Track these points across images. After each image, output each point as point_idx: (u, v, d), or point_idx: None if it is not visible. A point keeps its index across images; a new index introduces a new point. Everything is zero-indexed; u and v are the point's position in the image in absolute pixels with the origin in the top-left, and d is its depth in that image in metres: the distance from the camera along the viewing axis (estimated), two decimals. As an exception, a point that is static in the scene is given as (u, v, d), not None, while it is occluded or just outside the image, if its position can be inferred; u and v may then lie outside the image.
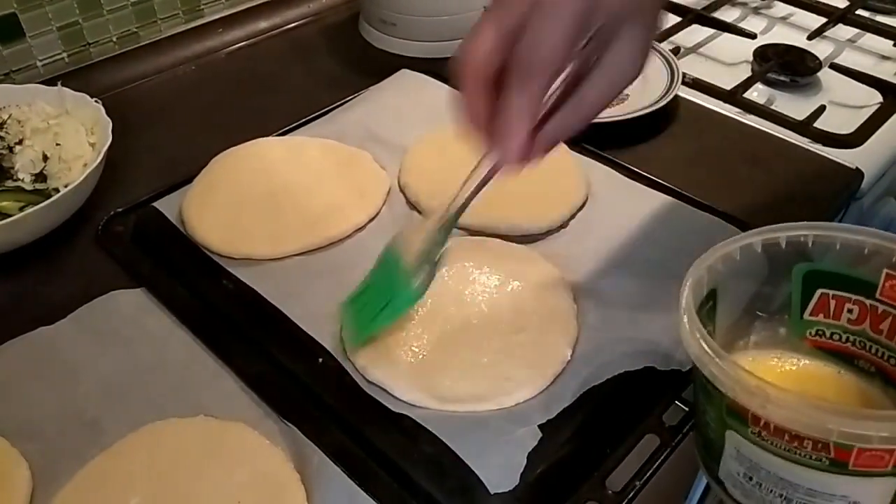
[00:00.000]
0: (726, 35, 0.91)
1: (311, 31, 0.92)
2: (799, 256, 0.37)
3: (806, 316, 0.39)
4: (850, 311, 0.37)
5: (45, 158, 0.62)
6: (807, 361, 0.39)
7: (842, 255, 0.36)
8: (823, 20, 0.90)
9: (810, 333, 0.39)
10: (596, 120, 0.72)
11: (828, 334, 0.38)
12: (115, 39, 0.83)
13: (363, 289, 0.49)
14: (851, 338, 0.38)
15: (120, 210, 0.63)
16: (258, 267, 0.57)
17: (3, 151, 0.62)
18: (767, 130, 0.74)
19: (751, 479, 0.34)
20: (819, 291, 0.38)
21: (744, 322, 0.39)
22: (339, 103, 0.75)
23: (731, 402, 0.32)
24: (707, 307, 0.37)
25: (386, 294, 0.48)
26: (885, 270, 0.35)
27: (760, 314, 0.39)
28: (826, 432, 0.30)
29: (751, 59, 0.85)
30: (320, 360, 0.50)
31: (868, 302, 0.36)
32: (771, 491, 0.33)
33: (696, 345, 0.33)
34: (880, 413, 0.35)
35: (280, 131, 0.71)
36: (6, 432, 0.46)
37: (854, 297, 0.37)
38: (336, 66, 0.85)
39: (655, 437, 0.47)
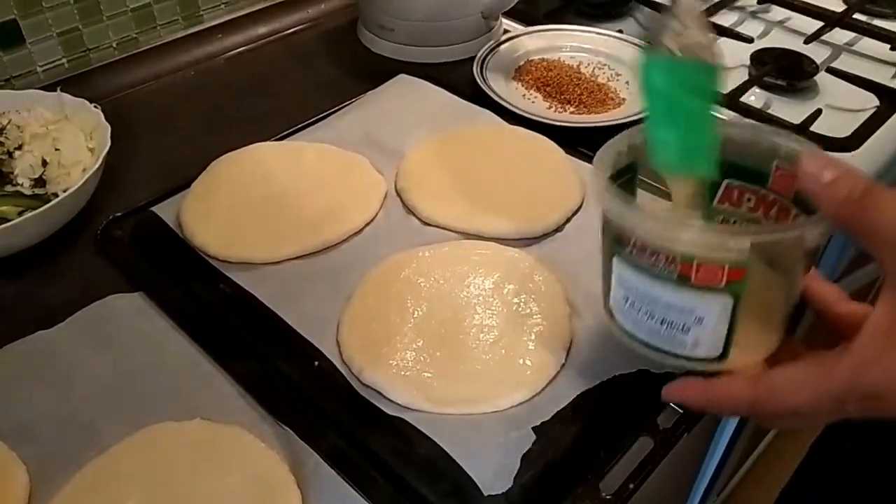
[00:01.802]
0: (723, 39, 0.91)
1: (309, 37, 0.92)
2: None
3: (714, 204, 0.42)
4: (748, 199, 0.41)
5: (45, 163, 0.62)
6: None
7: (743, 149, 0.40)
8: (820, 24, 0.91)
9: (718, 221, 0.43)
10: (591, 124, 0.73)
11: (731, 221, 0.42)
12: (114, 45, 0.84)
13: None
14: (748, 223, 0.42)
15: (118, 215, 0.63)
16: (255, 271, 0.57)
17: (3, 156, 0.62)
18: (764, 134, 0.74)
19: (627, 299, 0.39)
20: (725, 182, 0.41)
21: (663, 206, 0.43)
22: (337, 108, 0.75)
23: (616, 227, 0.37)
24: (626, 178, 0.41)
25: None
26: (774, 162, 0.39)
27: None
28: (671, 241, 0.35)
29: (748, 63, 0.85)
30: (316, 363, 0.50)
31: (762, 192, 0.41)
32: (640, 309, 0.38)
33: (597, 181, 0.38)
34: (710, 227, 0.41)
35: (278, 136, 0.71)
36: (3, 435, 0.46)
37: (752, 186, 0.41)
38: (334, 71, 0.86)
39: (649, 439, 0.47)
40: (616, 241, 0.38)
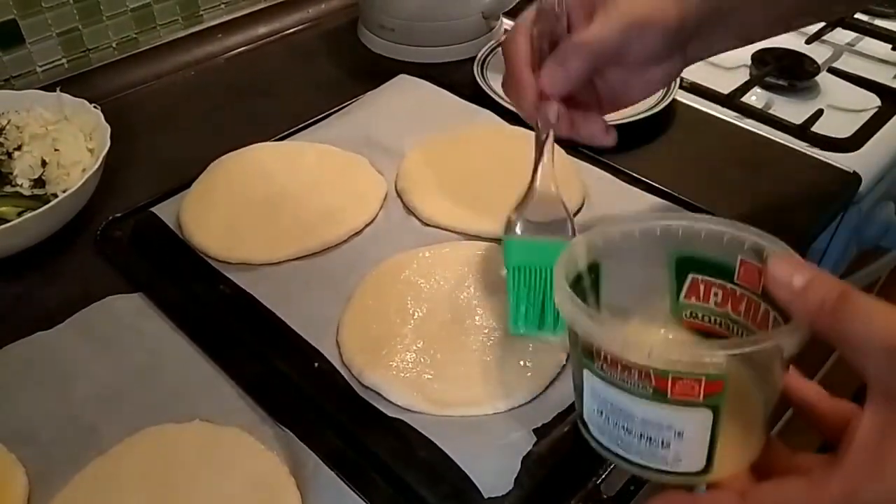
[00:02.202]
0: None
1: (309, 37, 0.92)
2: (672, 244, 0.40)
3: (681, 299, 0.42)
4: (715, 294, 0.41)
5: (44, 164, 0.62)
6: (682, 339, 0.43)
7: (707, 243, 0.40)
8: (822, 24, 0.91)
9: (686, 315, 0.42)
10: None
11: (700, 316, 0.42)
12: (114, 45, 0.84)
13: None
14: (718, 319, 0.41)
15: (118, 215, 0.63)
16: (255, 272, 0.57)
17: (2, 157, 0.62)
18: (765, 134, 0.74)
19: (601, 413, 0.38)
20: (690, 276, 0.41)
21: (627, 304, 0.42)
22: (337, 108, 0.75)
23: (583, 341, 0.36)
24: (590, 278, 0.41)
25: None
26: (739, 257, 0.39)
27: (644, 297, 0.42)
28: (643, 358, 0.34)
29: (749, 62, 0.85)
30: (316, 364, 0.50)
31: (729, 286, 0.40)
32: (616, 424, 0.37)
33: (560, 293, 0.37)
34: (687, 343, 0.40)
35: (278, 136, 0.71)
36: (3, 437, 0.46)
37: (718, 281, 0.40)
38: (335, 71, 0.86)
39: (650, 441, 0.47)
40: (585, 355, 0.37)
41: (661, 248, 0.41)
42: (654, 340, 0.35)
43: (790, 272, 0.34)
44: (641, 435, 0.36)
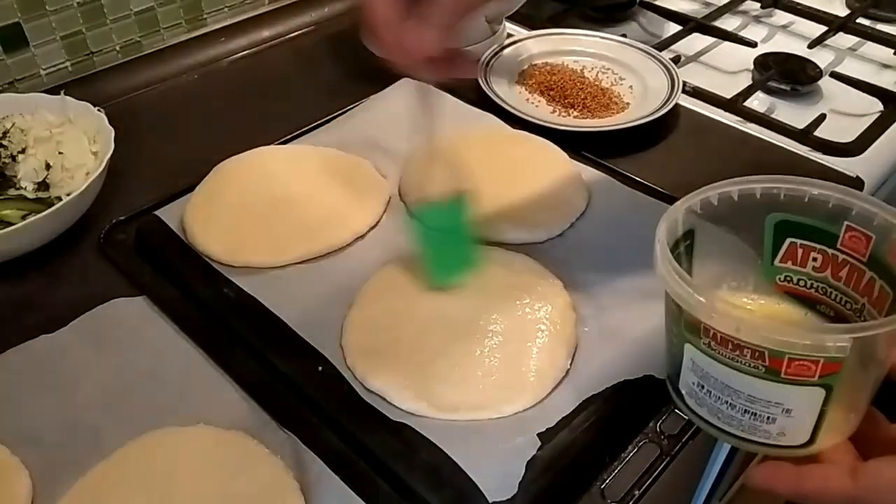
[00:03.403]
0: (727, 44, 0.91)
1: (313, 40, 0.92)
2: (771, 207, 0.40)
3: (776, 262, 0.42)
4: (814, 259, 0.41)
5: (48, 167, 0.62)
6: (776, 303, 0.43)
7: (809, 208, 0.40)
8: (824, 29, 0.91)
9: (779, 279, 0.42)
10: (595, 128, 0.73)
11: (795, 280, 0.42)
12: (118, 48, 0.84)
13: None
14: (815, 284, 0.41)
15: (122, 218, 0.63)
16: (259, 275, 0.57)
17: (6, 160, 0.62)
18: (768, 139, 0.74)
19: (702, 387, 0.38)
20: (788, 240, 0.41)
21: (720, 267, 0.43)
22: (340, 112, 0.75)
23: (687, 316, 0.36)
24: (685, 245, 0.41)
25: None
26: (845, 223, 0.39)
27: (736, 260, 0.43)
28: (761, 339, 0.34)
29: (751, 67, 0.85)
30: (320, 368, 0.50)
31: (830, 251, 0.40)
32: (718, 398, 0.37)
33: (664, 266, 0.37)
34: (807, 325, 0.40)
35: (282, 139, 0.71)
36: (7, 440, 0.46)
37: (818, 246, 0.40)
38: (338, 74, 0.86)
39: (654, 446, 0.47)
40: (689, 329, 0.36)
41: (759, 212, 0.41)
42: (771, 323, 0.34)
43: None
44: (746, 411, 0.37)
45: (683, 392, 0.39)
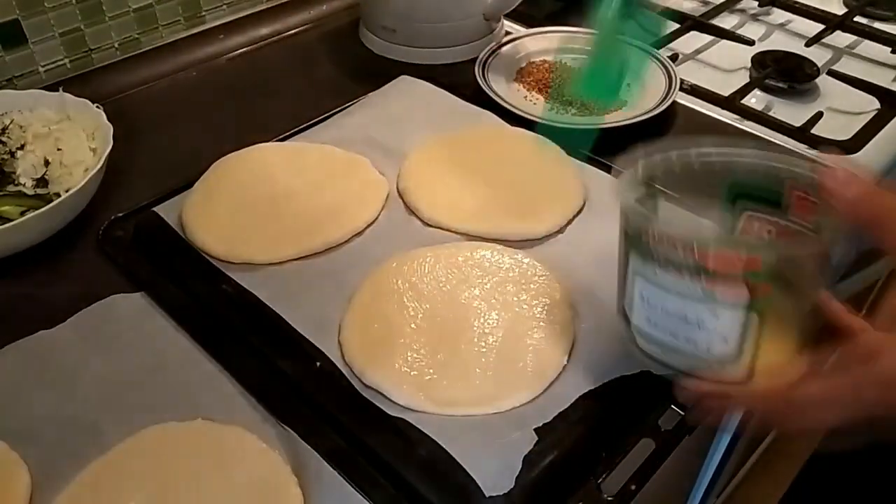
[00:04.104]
0: (724, 42, 0.91)
1: (311, 38, 0.92)
2: (728, 175, 0.42)
3: (736, 235, 0.43)
4: (769, 231, 0.42)
5: (47, 163, 0.62)
6: None
7: (761, 179, 0.41)
8: (822, 27, 0.91)
9: None
10: (593, 126, 0.73)
11: None
12: (116, 45, 0.84)
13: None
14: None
15: (120, 215, 0.63)
16: (257, 271, 0.57)
17: (5, 156, 0.63)
18: (765, 137, 0.74)
19: (649, 320, 0.40)
20: (746, 214, 0.42)
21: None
22: (338, 109, 0.75)
23: (635, 238, 0.39)
24: (644, 195, 0.42)
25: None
26: (793, 190, 0.40)
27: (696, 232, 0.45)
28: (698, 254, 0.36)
29: (749, 65, 0.85)
30: (318, 363, 0.50)
31: (783, 222, 0.41)
32: (664, 329, 0.40)
33: (621, 191, 0.39)
34: (736, 239, 0.42)
35: (280, 137, 0.71)
36: (6, 436, 0.46)
37: (773, 218, 0.42)
38: (336, 72, 0.86)
39: (651, 441, 0.47)
40: (639, 257, 0.38)
41: (718, 183, 0.42)
42: (710, 240, 0.37)
43: (836, 177, 0.38)
44: (688, 339, 0.39)
45: (636, 335, 0.41)
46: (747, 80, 0.83)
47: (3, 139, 0.63)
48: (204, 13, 0.90)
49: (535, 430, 0.46)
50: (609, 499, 0.44)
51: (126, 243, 0.61)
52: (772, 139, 0.74)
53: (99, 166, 0.61)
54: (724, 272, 0.36)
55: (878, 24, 0.94)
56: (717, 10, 0.97)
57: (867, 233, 0.36)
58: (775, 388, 0.38)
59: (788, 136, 0.74)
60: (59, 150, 0.63)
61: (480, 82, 0.77)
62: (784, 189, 0.40)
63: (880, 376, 0.35)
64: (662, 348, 0.40)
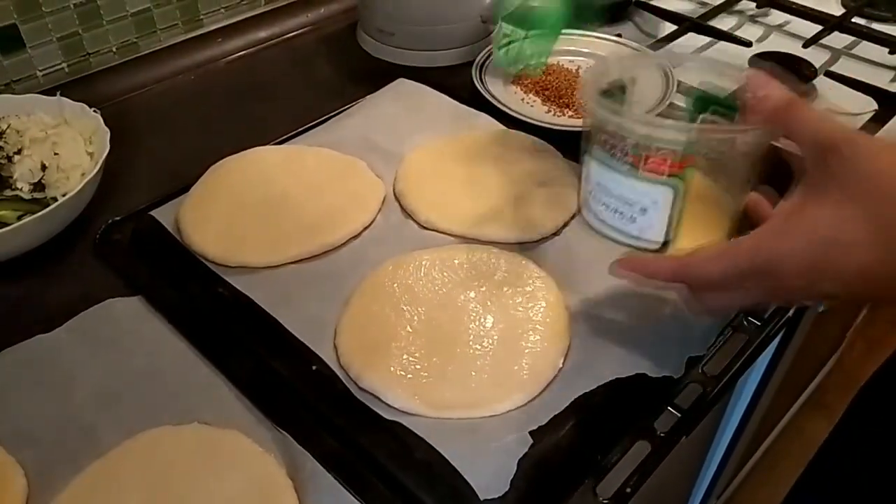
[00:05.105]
0: (722, 43, 0.91)
1: (309, 41, 0.92)
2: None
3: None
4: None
5: (44, 168, 0.62)
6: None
7: (717, 85, 0.46)
8: (819, 28, 0.91)
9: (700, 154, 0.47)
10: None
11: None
12: (114, 50, 0.84)
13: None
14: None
15: (117, 219, 0.63)
16: (253, 275, 0.57)
17: (2, 161, 0.63)
18: (762, 138, 0.74)
19: (596, 197, 0.46)
20: (700, 116, 0.46)
21: None
22: (336, 112, 0.75)
23: (589, 125, 0.44)
24: (614, 93, 0.48)
25: None
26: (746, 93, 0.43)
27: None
28: (626, 132, 0.42)
29: (746, 67, 0.85)
30: (314, 367, 0.50)
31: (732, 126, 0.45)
32: (606, 206, 0.45)
33: (585, 92, 0.45)
34: (659, 119, 0.46)
35: (277, 140, 0.71)
36: (2, 439, 0.46)
37: (726, 120, 0.45)
38: (334, 75, 0.86)
39: (647, 443, 0.47)
40: (587, 139, 0.45)
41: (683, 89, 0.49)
42: (636, 119, 0.43)
43: (757, 83, 0.42)
44: (616, 210, 0.45)
45: (587, 216, 0.47)
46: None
47: (1, 144, 0.63)
48: (202, 17, 0.90)
49: (531, 432, 0.46)
50: (605, 501, 0.44)
51: (123, 247, 0.61)
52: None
53: (96, 170, 0.61)
54: (650, 155, 0.41)
55: (876, 25, 0.94)
56: (715, 12, 0.97)
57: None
58: (681, 259, 0.43)
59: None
60: (56, 154, 0.63)
61: (477, 85, 0.77)
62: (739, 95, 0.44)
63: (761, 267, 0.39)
64: (612, 229, 0.46)
